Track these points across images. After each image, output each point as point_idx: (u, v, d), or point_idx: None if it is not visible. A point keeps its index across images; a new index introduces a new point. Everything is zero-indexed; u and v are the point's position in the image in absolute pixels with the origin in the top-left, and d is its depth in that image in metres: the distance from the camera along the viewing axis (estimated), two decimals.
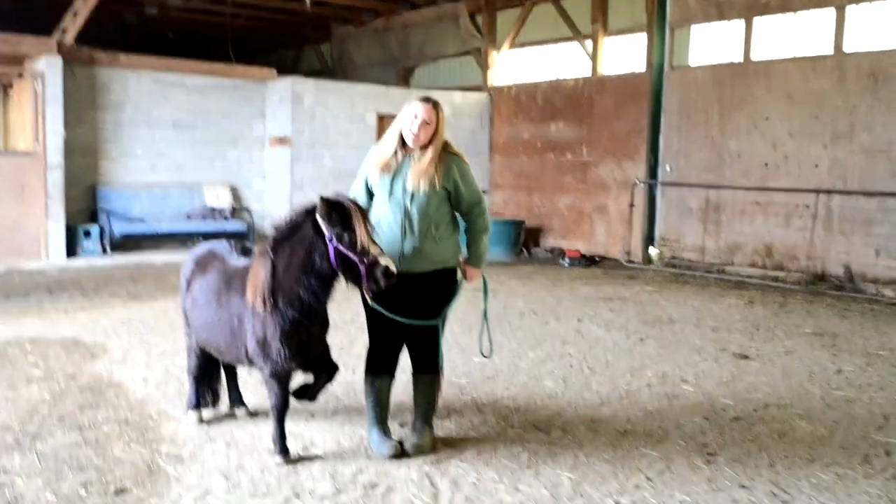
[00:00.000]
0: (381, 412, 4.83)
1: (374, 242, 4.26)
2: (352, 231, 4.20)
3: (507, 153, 16.66)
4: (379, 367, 4.82)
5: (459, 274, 4.83)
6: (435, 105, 4.63)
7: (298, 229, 4.35)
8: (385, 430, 4.80)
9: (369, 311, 4.72)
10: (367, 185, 4.80)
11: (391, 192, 4.65)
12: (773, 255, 12.45)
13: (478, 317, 8.70)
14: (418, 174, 4.58)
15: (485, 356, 4.80)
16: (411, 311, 4.64)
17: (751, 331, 8.48)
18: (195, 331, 5.05)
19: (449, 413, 5.45)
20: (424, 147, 4.62)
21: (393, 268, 4.21)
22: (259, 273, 4.42)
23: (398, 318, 4.61)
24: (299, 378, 4.77)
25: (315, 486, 4.27)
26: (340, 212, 4.22)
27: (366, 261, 4.18)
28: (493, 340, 7.70)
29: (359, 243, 4.19)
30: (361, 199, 4.73)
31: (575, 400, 5.89)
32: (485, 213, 4.81)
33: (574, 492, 4.26)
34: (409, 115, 4.61)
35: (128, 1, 17.51)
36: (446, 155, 4.68)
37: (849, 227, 11.52)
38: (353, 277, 4.26)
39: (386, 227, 4.66)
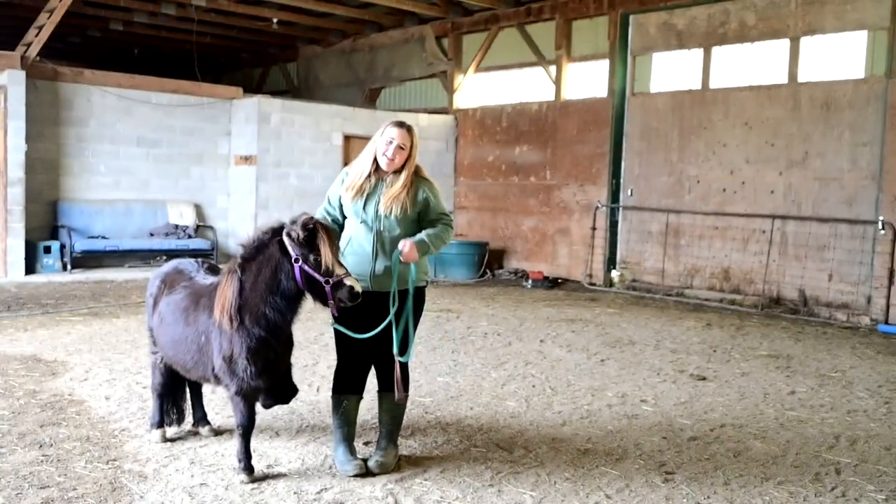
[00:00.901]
0: (347, 431, 4.86)
1: (339, 263, 4.35)
2: (317, 252, 4.29)
3: (471, 175, 16.82)
4: (346, 387, 4.86)
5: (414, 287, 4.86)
6: (409, 130, 4.73)
7: (265, 249, 4.43)
8: (351, 449, 4.83)
9: (337, 331, 4.78)
10: (339, 206, 4.86)
11: (363, 215, 4.73)
12: (731, 279, 12.72)
13: (442, 337, 8.81)
14: (391, 199, 4.66)
15: (400, 360, 4.73)
16: (380, 332, 4.69)
17: (708, 353, 8.67)
18: (162, 348, 5.06)
19: (413, 432, 5.51)
20: (398, 171, 4.72)
21: (358, 288, 4.31)
22: (226, 291, 4.46)
23: (359, 336, 4.66)
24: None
25: (280, 503, 4.29)
26: (306, 232, 4.29)
27: (331, 281, 4.27)
28: (458, 360, 7.85)
29: (323, 264, 4.28)
30: (328, 220, 4.79)
31: (537, 419, 5.99)
32: (450, 223, 4.84)
33: None
34: (385, 139, 4.70)
35: (92, 16, 17.41)
36: (417, 179, 4.78)
37: (803, 251, 11.84)
38: (319, 296, 4.36)
39: (357, 247, 4.74)
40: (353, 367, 4.84)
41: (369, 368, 4.91)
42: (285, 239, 4.34)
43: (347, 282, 4.29)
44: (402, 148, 4.68)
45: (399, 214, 4.66)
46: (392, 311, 4.65)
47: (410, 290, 4.71)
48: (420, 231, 4.76)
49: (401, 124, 4.73)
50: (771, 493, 4.67)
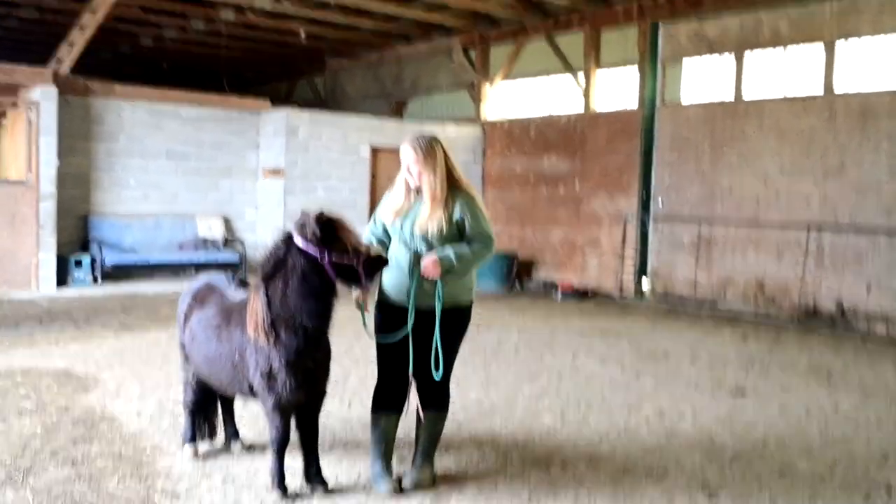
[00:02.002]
0: (384, 448, 4.77)
1: (358, 242, 4.38)
2: (337, 240, 4.29)
3: (499, 186, 16.73)
4: (386, 404, 4.76)
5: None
6: (417, 142, 4.57)
7: (285, 262, 4.36)
8: (387, 467, 4.74)
9: (379, 347, 4.71)
10: (383, 226, 4.78)
11: (402, 234, 4.65)
12: (766, 291, 12.49)
13: (473, 351, 8.70)
14: (423, 220, 4.55)
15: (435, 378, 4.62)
16: (420, 348, 4.60)
17: (746, 367, 8.48)
18: (195, 365, 5.00)
19: (447, 448, 5.40)
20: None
21: (384, 254, 4.50)
22: (256, 308, 4.40)
23: (383, 341, 4.65)
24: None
25: None
26: (321, 228, 4.28)
27: (360, 259, 4.29)
28: (490, 374, 7.74)
29: (350, 247, 4.29)
30: (373, 241, 4.76)
31: (573, 436, 5.86)
32: (488, 244, 4.62)
33: None
34: (404, 164, 4.62)
35: (123, 32, 17.57)
36: (456, 194, 4.60)
37: (840, 262, 11.59)
38: (352, 279, 4.35)
39: (396, 266, 4.63)
40: (392, 384, 4.74)
41: (409, 386, 4.79)
42: (301, 243, 4.29)
43: (373, 252, 4.39)
44: (414, 163, 4.55)
45: (434, 233, 4.55)
46: (409, 325, 4.54)
47: (437, 309, 4.54)
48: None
49: (410, 141, 4.60)
50: None
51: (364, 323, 4.68)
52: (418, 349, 4.62)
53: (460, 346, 4.83)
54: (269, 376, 4.39)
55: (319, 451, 4.70)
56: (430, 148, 4.56)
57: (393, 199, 4.73)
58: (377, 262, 4.40)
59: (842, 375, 8.16)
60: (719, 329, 10.92)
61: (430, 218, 4.54)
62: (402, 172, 4.66)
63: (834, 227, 11.64)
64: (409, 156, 4.56)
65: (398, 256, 4.65)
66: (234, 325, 4.63)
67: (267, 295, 4.36)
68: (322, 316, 4.37)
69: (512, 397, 6.93)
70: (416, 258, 4.56)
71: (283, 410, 4.46)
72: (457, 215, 4.57)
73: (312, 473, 4.62)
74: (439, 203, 4.54)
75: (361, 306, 4.62)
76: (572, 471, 5.09)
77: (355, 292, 4.50)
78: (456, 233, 4.61)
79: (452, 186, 4.63)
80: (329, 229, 4.30)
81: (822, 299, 11.78)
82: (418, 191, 4.63)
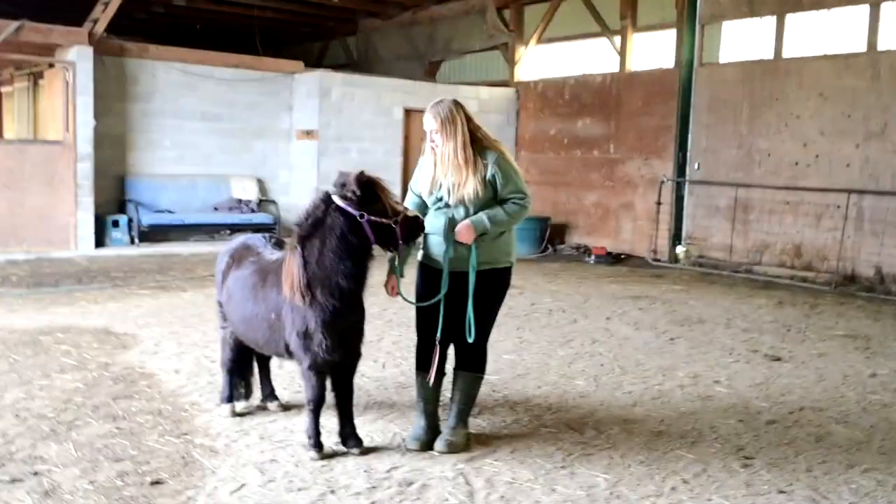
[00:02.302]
0: (424, 406, 4.83)
1: (396, 203, 4.41)
2: (376, 200, 4.31)
3: (533, 149, 16.58)
4: (426, 364, 4.79)
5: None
6: (434, 108, 4.54)
7: (323, 221, 4.37)
8: (430, 426, 4.80)
9: (418, 308, 4.76)
10: (420, 199, 4.76)
11: (436, 201, 4.65)
12: (803, 256, 12.31)
13: (506, 314, 8.70)
14: (458, 187, 4.53)
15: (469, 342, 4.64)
16: (458, 310, 4.63)
17: (782, 332, 8.39)
18: (232, 324, 5.06)
19: (481, 410, 5.42)
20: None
21: (422, 218, 4.51)
22: (292, 268, 4.42)
23: (419, 304, 4.74)
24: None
25: (350, 482, 4.26)
26: (361, 187, 4.29)
27: (398, 220, 4.32)
28: (523, 337, 7.74)
29: (388, 208, 4.32)
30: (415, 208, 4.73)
31: (607, 399, 5.85)
32: (523, 202, 4.59)
33: (611, 493, 4.22)
34: (427, 130, 4.62)
35: None
36: (485, 152, 4.57)
37: (881, 227, 11.37)
38: (389, 241, 4.38)
39: (434, 229, 4.63)
40: (432, 344, 4.76)
41: (448, 346, 4.83)
42: (340, 203, 4.30)
43: (411, 213, 4.43)
44: (436, 132, 4.53)
45: (472, 198, 4.52)
46: (442, 291, 4.58)
47: (471, 274, 4.55)
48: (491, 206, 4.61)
49: (429, 109, 4.56)
50: (857, 482, 4.47)
51: (399, 287, 4.70)
52: (456, 311, 4.64)
53: (499, 308, 4.84)
54: (306, 336, 4.42)
55: (354, 412, 4.74)
56: (450, 114, 4.52)
57: (424, 171, 4.72)
58: (415, 224, 4.42)
59: (880, 342, 8.05)
60: (755, 294, 10.80)
61: (463, 184, 4.51)
62: (427, 141, 4.64)
63: (875, 191, 11.40)
64: (430, 124, 4.56)
65: (435, 221, 4.65)
66: (271, 284, 4.66)
67: (303, 255, 4.38)
68: (358, 277, 4.39)
69: (545, 360, 6.93)
70: (451, 224, 4.54)
71: (318, 371, 4.50)
72: (489, 174, 4.54)
73: (347, 433, 4.67)
74: (468, 167, 4.51)
75: (398, 269, 4.63)
76: (606, 434, 5.09)
77: (392, 254, 4.51)
78: (491, 194, 4.58)
79: (481, 145, 4.59)
80: (369, 189, 4.31)
81: (861, 265, 11.59)
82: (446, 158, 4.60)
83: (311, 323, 4.40)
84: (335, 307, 4.37)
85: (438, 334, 4.66)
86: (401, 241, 4.38)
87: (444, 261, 4.59)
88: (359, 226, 4.30)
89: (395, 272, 4.66)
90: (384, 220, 4.30)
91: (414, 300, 4.79)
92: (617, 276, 12.28)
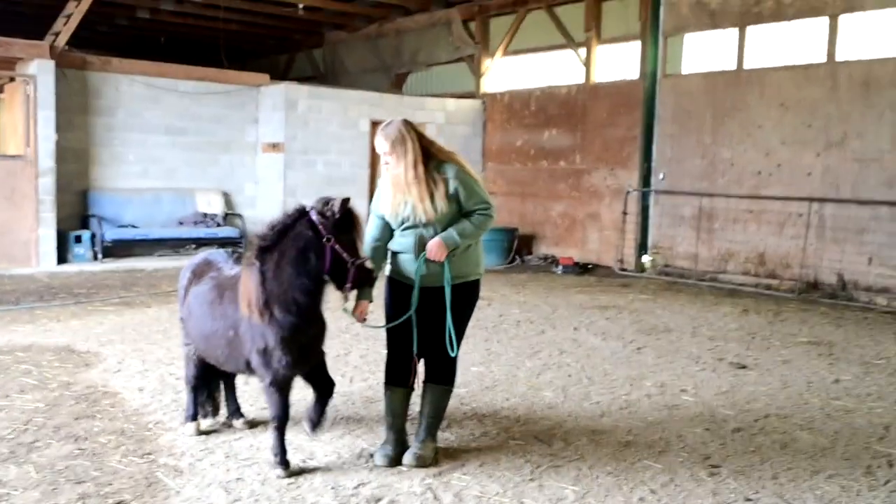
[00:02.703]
0: (392, 421, 4.81)
1: (360, 247, 4.41)
2: (349, 232, 4.31)
3: (500, 160, 16.64)
4: (395, 379, 4.79)
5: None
6: (384, 129, 4.53)
7: (290, 230, 4.35)
8: (395, 440, 4.78)
9: (388, 322, 4.76)
10: (384, 221, 4.72)
11: (402, 221, 4.62)
12: (766, 264, 12.47)
13: (474, 325, 8.69)
14: (418, 207, 4.50)
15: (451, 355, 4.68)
16: (430, 325, 4.66)
17: (747, 340, 8.48)
18: (193, 341, 5.00)
19: (449, 423, 5.40)
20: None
21: (376, 274, 4.48)
22: (249, 285, 4.38)
23: (370, 326, 4.80)
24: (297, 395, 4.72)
25: (317, 499, 4.21)
26: (343, 212, 4.28)
27: (356, 262, 4.30)
28: (491, 349, 7.73)
29: (357, 245, 4.33)
30: (375, 235, 4.71)
31: (575, 410, 5.86)
32: (488, 211, 4.59)
33: None
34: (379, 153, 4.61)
35: (119, 4, 17.39)
36: (443, 167, 4.55)
37: (842, 235, 11.55)
38: (338, 279, 4.35)
39: (403, 247, 4.65)
40: (401, 359, 4.76)
41: (414, 365, 4.82)
42: (315, 218, 4.29)
43: (369, 264, 4.39)
44: (388, 153, 4.51)
45: (437, 216, 4.51)
46: (413, 307, 4.59)
47: (447, 289, 4.57)
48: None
49: (380, 131, 4.55)
50: (822, 488, 4.52)
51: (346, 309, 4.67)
52: (427, 325, 4.66)
53: (468, 320, 4.86)
54: (265, 353, 4.39)
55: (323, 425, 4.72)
56: (399, 134, 4.49)
57: (384, 193, 4.68)
58: (367, 276, 4.39)
59: (843, 348, 8.16)
60: (720, 302, 10.91)
61: (422, 202, 4.47)
62: (381, 163, 4.63)
63: (836, 199, 11.59)
64: (381, 147, 4.54)
65: (403, 239, 4.65)
66: (228, 301, 4.61)
67: (261, 271, 4.34)
68: (314, 293, 4.36)
69: (513, 372, 6.94)
70: (422, 243, 4.55)
71: (280, 387, 4.47)
72: (451, 188, 4.53)
73: (317, 415, 4.68)
74: (420, 185, 4.46)
75: (348, 311, 4.61)
76: (574, 445, 5.10)
77: (346, 296, 4.47)
78: (456, 208, 4.58)
79: (437, 160, 4.57)
80: (347, 219, 4.31)
81: (823, 272, 11.76)
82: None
83: (270, 340, 4.37)
84: (293, 323, 4.34)
85: (415, 348, 4.67)
86: (348, 283, 4.34)
87: (416, 277, 4.58)
88: (321, 247, 4.28)
89: (365, 297, 4.62)
90: (344, 255, 4.29)
91: (380, 323, 4.82)
92: (584, 286, 12.34)
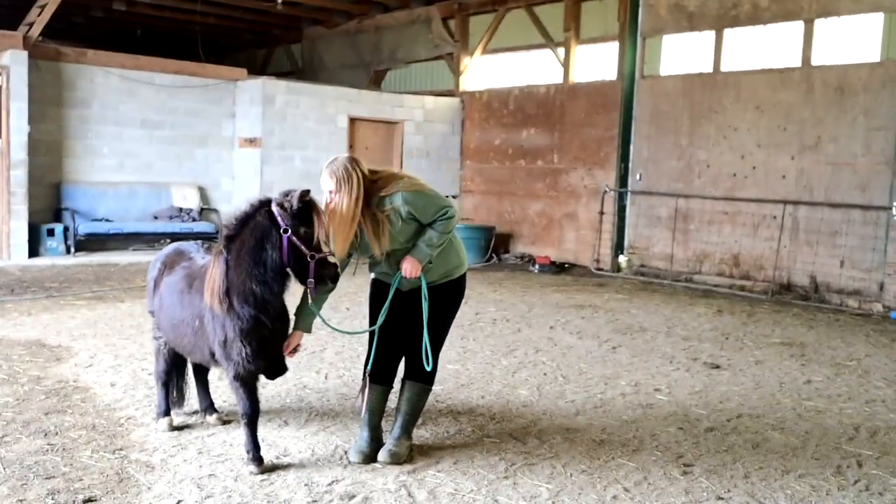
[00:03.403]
0: (369, 418, 4.80)
1: (325, 242, 4.31)
2: (308, 225, 4.23)
3: (478, 159, 16.65)
4: (377, 377, 4.78)
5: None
6: (328, 169, 4.44)
7: (250, 220, 4.32)
8: (371, 437, 4.76)
9: (370, 320, 4.76)
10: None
11: (366, 248, 4.57)
12: (741, 265, 12.58)
13: (453, 324, 8.67)
14: (373, 240, 4.46)
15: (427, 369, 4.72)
16: (413, 322, 4.68)
17: (721, 340, 8.55)
18: (163, 332, 4.97)
19: (424, 421, 5.38)
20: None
21: (339, 272, 4.38)
22: (214, 273, 4.36)
23: (343, 332, 4.96)
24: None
25: (291, 496, 4.19)
26: (301, 204, 4.22)
27: (316, 257, 4.23)
28: (467, 347, 7.74)
29: (315, 237, 4.23)
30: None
31: (550, 409, 5.88)
32: (447, 214, 4.55)
33: (553, 503, 4.23)
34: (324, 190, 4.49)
35: None
36: (381, 201, 4.45)
37: (815, 237, 11.69)
38: (300, 273, 4.30)
39: (378, 264, 4.68)
40: (385, 358, 4.76)
41: (399, 360, 4.84)
42: (275, 209, 4.26)
43: (332, 259, 4.31)
44: (334, 192, 4.40)
45: (392, 245, 4.50)
46: (382, 314, 4.61)
47: (424, 305, 4.60)
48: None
49: (326, 168, 4.46)
50: (793, 487, 4.56)
51: (325, 322, 4.68)
52: (411, 322, 4.69)
53: (454, 318, 4.90)
54: (226, 345, 4.37)
55: (296, 422, 4.68)
56: (345, 172, 4.40)
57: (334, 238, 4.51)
58: (328, 272, 4.28)
59: (815, 349, 8.25)
60: (695, 303, 11.00)
61: (379, 237, 4.44)
62: (325, 201, 4.49)
63: (809, 202, 11.72)
64: (326, 184, 4.44)
65: (378, 265, 4.70)
66: (196, 290, 4.59)
67: (226, 260, 4.31)
68: (273, 285, 4.30)
69: (489, 370, 6.94)
70: (396, 264, 4.59)
71: (243, 381, 4.44)
72: (404, 212, 4.45)
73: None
74: (354, 223, 4.40)
75: (314, 307, 4.56)
76: (548, 444, 5.11)
77: (310, 291, 4.40)
78: (415, 224, 4.54)
79: (380, 197, 4.46)
80: (306, 210, 4.23)
81: (796, 274, 11.89)
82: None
83: (230, 332, 4.35)
84: (251, 315, 4.30)
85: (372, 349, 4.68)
86: (310, 279, 4.26)
87: (390, 291, 4.62)
88: (278, 238, 4.23)
89: (301, 327, 4.59)
90: (303, 248, 4.21)
91: (364, 323, 4.85)
92: (560, 285, 12.38)
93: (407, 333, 4.72)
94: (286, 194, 4.28)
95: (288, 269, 4.31)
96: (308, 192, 4.26)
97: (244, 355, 4.35)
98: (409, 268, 4.53)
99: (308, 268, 4.23)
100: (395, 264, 4.59)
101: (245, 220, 4.33)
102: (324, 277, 4.28)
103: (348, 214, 4.38)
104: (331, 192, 4.43)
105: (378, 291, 4.77)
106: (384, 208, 4.45)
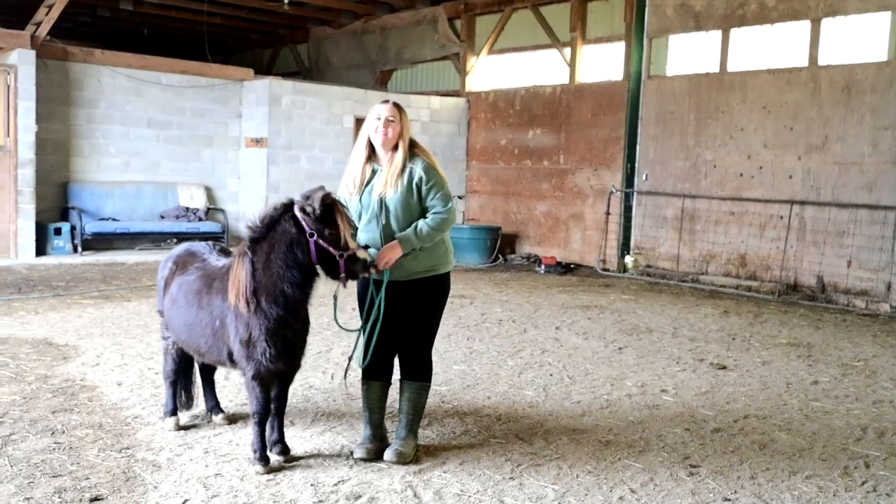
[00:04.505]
0: (370, 416, 4.81)
1: (352, 237, 4.37)
2: (333, 226, 4.29)
3: (484, 159, 16.65)
4: (371, 373, 4.79)
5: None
6: (395, 104, 4.67)
7: (276, 225, 4.37)
8: (374, 434, 4.78)
9: (364, 317, 4.73)
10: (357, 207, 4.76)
11: (365, 206, 4.65)
12: (747, 265, 12.56)
13: (456, 324, 8.69)
14: (389, 175, 4.57)
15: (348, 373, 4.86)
16: (398, 319, 4.67)
17: (727, 341, 8.53)
18: (174, 331, 4.96)
19: (430, 421, 5.39)
20: (394, 149, 4.63)
21: (371, 260, 4.43)
22: (239, 274, 4.38)
23: (346, 328, 4.88)
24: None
25: (297, 496, 4.19)
26: (324, 207, 4.28)
27: (344, 255, 4.29)
28: (473, 347, 7.73)
29: (341, 238, 4.30)
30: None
31: (556, 409, 5.87)
32: (446, 209, 4.62)
33: None
34: (373, 118, 4.65)
35: None
36: (414, 157, 4.67)
37: (821, 237, 11.66)
38: (331, 271, 4.37)
39: (368, 243, 4.64)
40: (378, 353, 4.74)
41: (394, 355, 4.85)
42: (299, 214, 4.31)
43: (360, 255, 4.35)
44: (391, 121, 4.59)
45: (400, 191, 4.55)
46: (375, 310, 4.64)
47: (382, 293, 4.60)
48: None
49: (385, 101, 4.70)
50: (800, 488, 4.55)
51: (336, 316, 4.71)
52: (399, 320, 4.69)
53: (441, 314, 4.87)
54: (249, 344, 4.38)
55: (302, 422, 4.68)
56: (404, 111, 4.69)
57: (352, 169, 4.73)
58: (358, 264, 4.34)
59: (822, 350, 8.23)
60: (701, 303, 10.97)
61: (396, 171, 4.56)
62: (364, 138, 4.67)
63: (816, 202, 11.69)
64: (386, 109, 4.61)
65: (367, 232, 4.68)
66: (216, 291, 4.60)
67: (252, 261, 4.34)
68: (303, 286, 4.38)
69: (495, 371, 6.94)
70: (387, 234, 4.61)
71: (262, 380, 4.45)
72: (416, 177, 4.59)
73: (273, 441, 4.63)
74: (402, 163, 4.59)
75: (336, 299, 4.65)
76: (555, 444, 5.10)
77: (337, 284, 4.48)
78: (417, 198, 4.61)
79: (412, 153, 4.68)
80: (329, 212, 4.30)
81: (803, 274, 11.86)
82: (372, 157, 4.69)
83: (255, 331, 4.35)
84: (279, 315, 4.34)
85: (365, 340, 4.70)
86: (341, 275, 4.34)
87: (384, 281, 4.63)
88: (305, 243, 4.30)
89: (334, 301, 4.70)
90: (331, 249, 4.29)
91: (350, 326, 4.97)
92: (566, 285, 12.37)
93: (397, 329, 4.72)
94: (307, 198, 4.33)
95: (317, 268, 4.38)
96: (329, 195, 4.32)
97: (268, 355, 4.36)
98: (388, 252, 4.53)
99: (338, 266, 4.31)
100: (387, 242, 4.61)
101: (271, 225, 4.38)
102: (355, 273, 4.36)
103: (402, 153, 4.57)
104: (388, 118, 4.57)
105: (364, 285, 4.76)
106: (411, 162, 4.62)
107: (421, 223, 4.59)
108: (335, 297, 4.67)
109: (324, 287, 4.56)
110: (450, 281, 4.89)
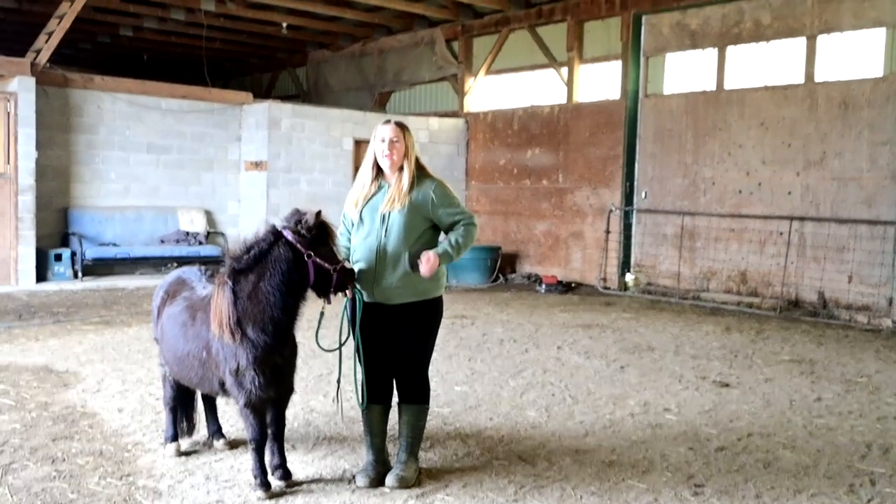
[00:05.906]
0: (372, 439, 4.78)
1: (338, 251, 4.52)
2: (326, 244, 4.37)
3: (483, 179, 16.69)
4: (370, 397, 4.77)
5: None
6: (399, 124, 4.70)
7: (268, 253, 4.33)
8: (376, 459, 4.75)
9: (357, 341, 4.69)
10: (351, 223, 4.80)
11: (366, 223, 4.66)
12: (748, 282, 12.54)
13: (458, 344, 8.66)
14: (393, 195, 4.60)
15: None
16: (395, 343, 4.66)
17: (730, 358, 8.50)
18: (167, 363, 4.96)
19: (432, 444, 5.37)
20: (400, 169, 4.65)
21: (355, 269, 4.57)
22: (220, 304, 4.35)
23: (327, 349, 4.95)
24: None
25: None
26: (317, 228, 4.33)
27: (336, 269, 4.35)
28: (474, 368, 7.71)
29: (335, 254, 4.39)
30: (345, 244, 4.81)
31: (559, 430, 5.84)
32: (472, 221, 4.70)
33: None
34: (377, 142, 4.67)
35: (102, 22, 17.36)
36: (420, 178, 4.69)
37: (822, 253, 11.65)
38: (322, 288, 4.41)
39: (362, 259, 4.65)
40: (374, 377, 4.73)
41: (390, 379, 4.81)
42: (291, 237, 4.30)
43: (348, 265, 4.50)
44: (395, 141, 4.62)
45: (401, 210, 4.56)
46: (345, 335, 4.70)
47: (358, 313, 4.58)
48: (428, 241, 4.67)
49: (389, 121, 4.72)
50: None
51: (317, 334, 4.72)
52: (394, 343, 4.68)
53: (436, 337, 4.85)
54: (238, 374, 4.36)
55: (303, 446, 4.65)
56: (407, 129, 4.72)
57: (359, 184, 4.77)
58: (349, 274, 4.45)
59: (824, 366, 8.20)
60: (703, 321, 10.95)
61: (400, 192, 4.59)
62: (371, 157, 4.70)
63: (815, 218, 11.70)
64: (390, 130, 4.64)
65: (360, 249, 4.68)
66: (200, 321, 4.58)
67: (234, 291, 4.31)
68: (293, 312, 4.39)
69: (497, 391, 6.91)
70: (413, 258, 4.58)
71: (254, 408, 4.43)
72: (430, 199, 4.61)
73: (275, 465, 4.60)
74: (412, 180, 4.62)
75: (322, 316, 4.63)
76: (558, 465, 5.07)
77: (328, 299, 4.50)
78: (423, 220, 4.62)
79: (422, 174, 4.72)
80: (323, 232, 4.35)
81: (804, 290, 11.85)
82: (379, 176, 4.72)
83: (243, 360, 4.34)
84: (266, 343, 4.32)
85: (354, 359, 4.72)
86: (332, 288, 4.40)
87: (404, 289, 4.63)
88: (303, 264, 4.30)
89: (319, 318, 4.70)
90: (326, 265, 4.33)
91: (328, 346, 4.94)
92: (567, 304, 12.35)
93: (393, 352, 4.71)
94: (297, 221, 4.32)
95: (308, 289, 4.41)
96: (320, 212, 4.38)
97: (257, 384, 4.34)
98: (428, 263, 4.53)
99: (331, 281, 4.35)
100: (415, 258, 4.57)
101: (260, 255, 4.35)
102: (343, 284, 4.43)
103: (408, 174, 4.60)
104: (392, 139, 4.61)
105: (354, 305, 4.71)
106: (420, 184, 4.65)
107: (453, 236, 4.64)
108: (321, 314, 4.63)
109: (309, 311, 4.55)
110: (443, 304, 4.86)
